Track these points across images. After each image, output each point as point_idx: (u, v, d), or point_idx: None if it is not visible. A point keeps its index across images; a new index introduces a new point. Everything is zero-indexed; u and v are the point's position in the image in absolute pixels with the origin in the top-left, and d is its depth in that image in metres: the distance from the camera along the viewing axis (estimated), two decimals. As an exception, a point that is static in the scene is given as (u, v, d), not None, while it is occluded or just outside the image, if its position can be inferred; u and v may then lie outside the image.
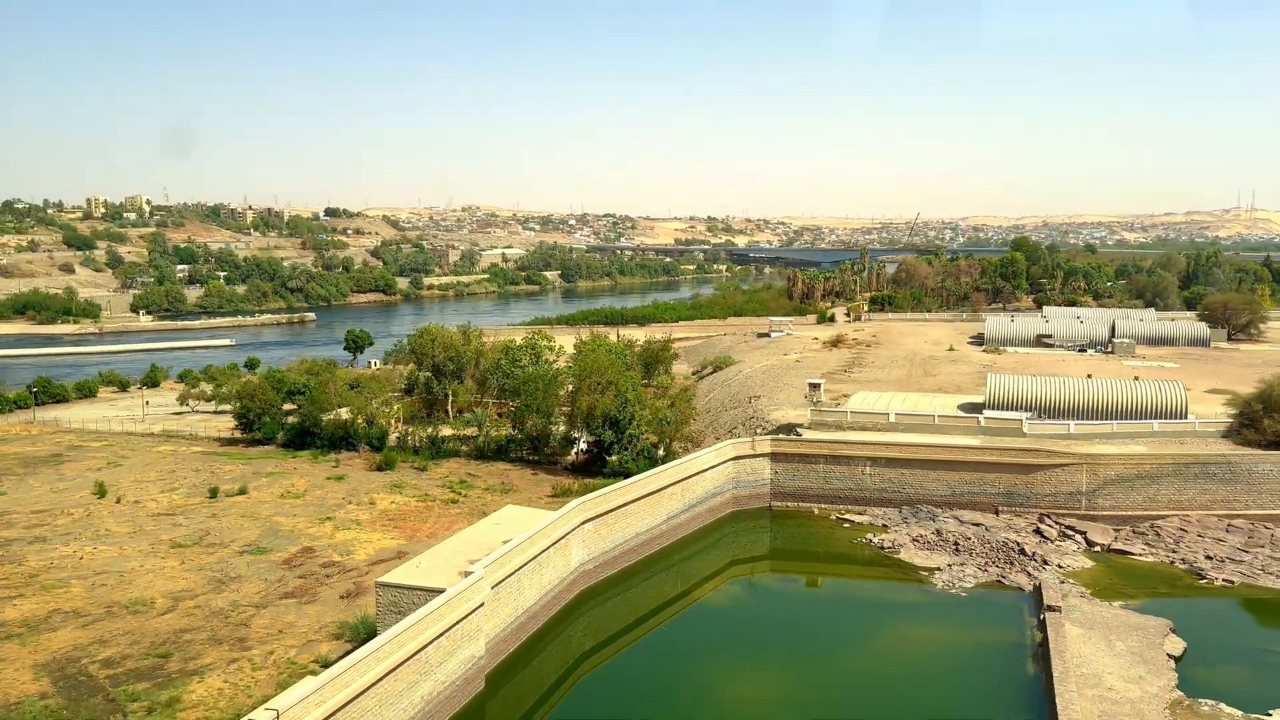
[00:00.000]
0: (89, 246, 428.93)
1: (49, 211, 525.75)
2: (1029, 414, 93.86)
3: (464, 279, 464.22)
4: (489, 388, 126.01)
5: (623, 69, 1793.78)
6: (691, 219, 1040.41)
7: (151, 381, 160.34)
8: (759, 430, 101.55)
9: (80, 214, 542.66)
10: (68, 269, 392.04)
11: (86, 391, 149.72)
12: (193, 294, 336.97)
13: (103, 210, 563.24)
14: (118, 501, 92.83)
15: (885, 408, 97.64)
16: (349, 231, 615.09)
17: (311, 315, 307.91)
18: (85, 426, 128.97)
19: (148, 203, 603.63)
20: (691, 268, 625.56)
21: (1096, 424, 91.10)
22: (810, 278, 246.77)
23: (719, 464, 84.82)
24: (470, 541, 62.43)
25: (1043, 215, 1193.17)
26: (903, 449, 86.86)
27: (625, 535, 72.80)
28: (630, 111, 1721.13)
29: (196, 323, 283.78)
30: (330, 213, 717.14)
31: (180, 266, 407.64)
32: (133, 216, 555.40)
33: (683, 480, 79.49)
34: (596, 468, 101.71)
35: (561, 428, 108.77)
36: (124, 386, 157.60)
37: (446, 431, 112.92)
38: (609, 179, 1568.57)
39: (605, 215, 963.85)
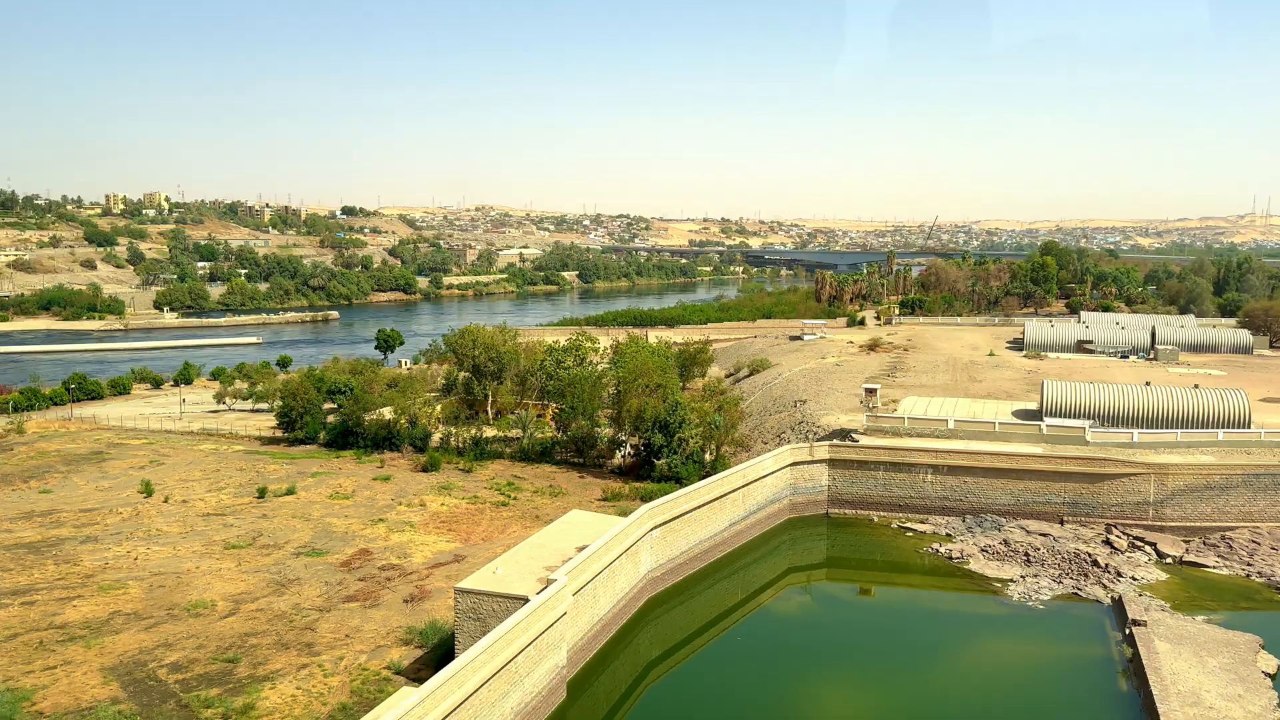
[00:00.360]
0: (110, 243, 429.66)
1: (68, 208, 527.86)
2: (1090, 421, 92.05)
3: (483, 278, 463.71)
4: (529, 388, 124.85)
5: (637, 70, 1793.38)
6: (705, 220, 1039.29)
7: (185, 379, 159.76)
8: (810, 436, 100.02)
9: (99, 210, 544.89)
10: (89, 265, 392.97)
11: (121, 388, 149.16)
12: (215, 291, 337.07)
13: (121, 207, 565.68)
14: (165, 501, 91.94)
15: (942, 414, 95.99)
16: (366, 230, 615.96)
17: (335, 314, 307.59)
18: (123, 424, 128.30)
19: (166, 200, 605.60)
20: (708, 269, 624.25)
21: (1160, 433, 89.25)
22: (839, 280, 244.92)
23: (777, 470, 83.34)
24: (542, 547, 61.14)
25: (1055, 220, 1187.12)
26: (965, 456, 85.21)
27: (690, 542, 71.44)
28: (643, 112, 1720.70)
29: (221, 320, 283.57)
30: (347, 211, 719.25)
31: (201, 264, 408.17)
32: (152, 213, 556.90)
33: (744, 486, 78.06)
34: (644, 471, 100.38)
35: (607, 430, 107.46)
36: (157, 384, 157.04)
37: (490, 433, 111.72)
38: (622, 179, 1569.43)
39: (619, 216, 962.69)
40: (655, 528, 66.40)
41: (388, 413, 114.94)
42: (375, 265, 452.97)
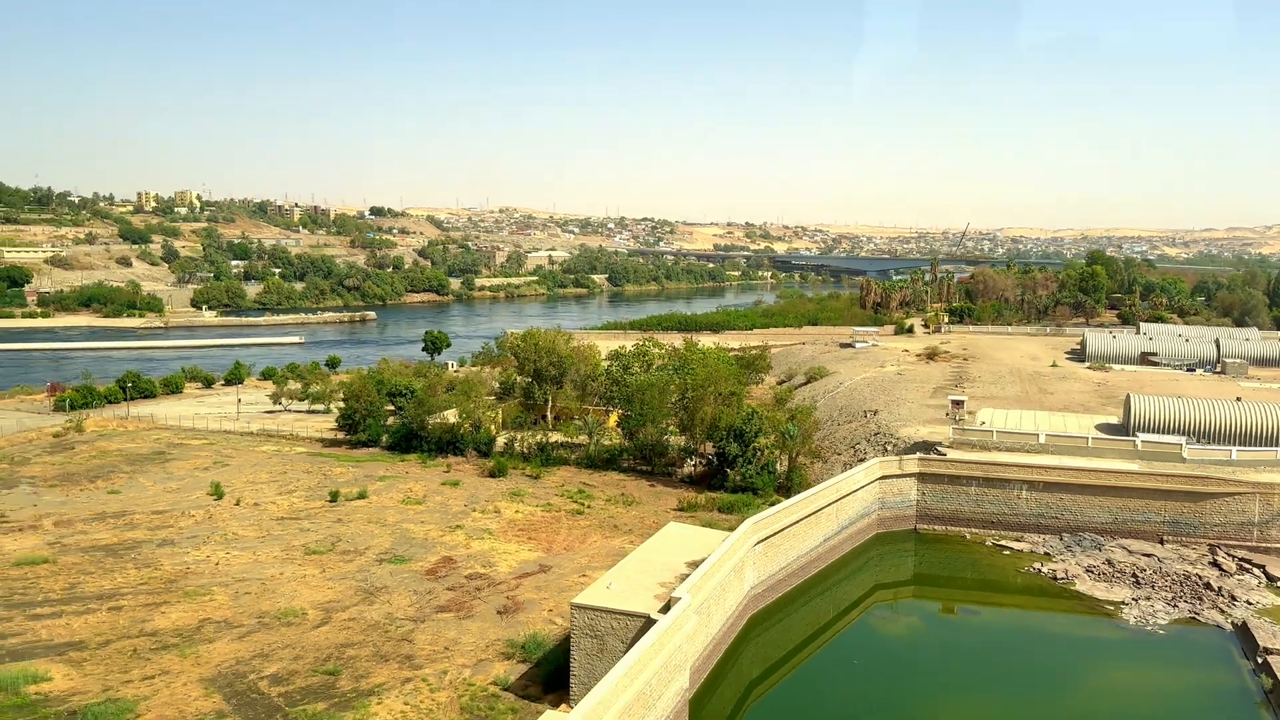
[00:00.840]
0: (144, 240, 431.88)
1: (101, 204, 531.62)
2: (1185, 438, 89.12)
3: (514, 280, 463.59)
4: (589, 393, 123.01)
5: (660, 74, 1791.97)
6: (729, 224, 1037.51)
7: (236, 378, 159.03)
8: (889, 448, 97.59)
9: (131, 208, 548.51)
10: (125, 262, 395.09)
11: (174, 387, 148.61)
12: (252, 290, 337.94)
13: (153, 204, 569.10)
14: (237, 503, 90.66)
15: (1026, 426, 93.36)
16: (394, 231, 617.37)
17: (372, 314, 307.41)
18: (180, 424, 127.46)
19: (198, 198, 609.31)
20: (736, 274, 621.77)
21: (1260, 450, 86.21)
22: (885, 287, 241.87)
23: (867, 484, 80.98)
24: (647, 561, 59.15)
25: (1080, 228, 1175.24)
26: (1060, 472, 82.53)
27: (789, 558, 69.26)
28: (667, 116, 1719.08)
29: (260, 319, 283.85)
30: (375, 211, 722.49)
31: (235, 262, 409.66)
32: (183, 211, 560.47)
33: (837, 500, 75.76)
34: (715, 481, 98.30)
35: (678, 438, 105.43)
36: (209, 383, 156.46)
37: (556, 438, 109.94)
38: (644, 183, 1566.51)
39: (643, 219, 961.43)
40: (759, 543, 64.27)
41: (451, 416, 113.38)
42: (407, 266, 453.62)
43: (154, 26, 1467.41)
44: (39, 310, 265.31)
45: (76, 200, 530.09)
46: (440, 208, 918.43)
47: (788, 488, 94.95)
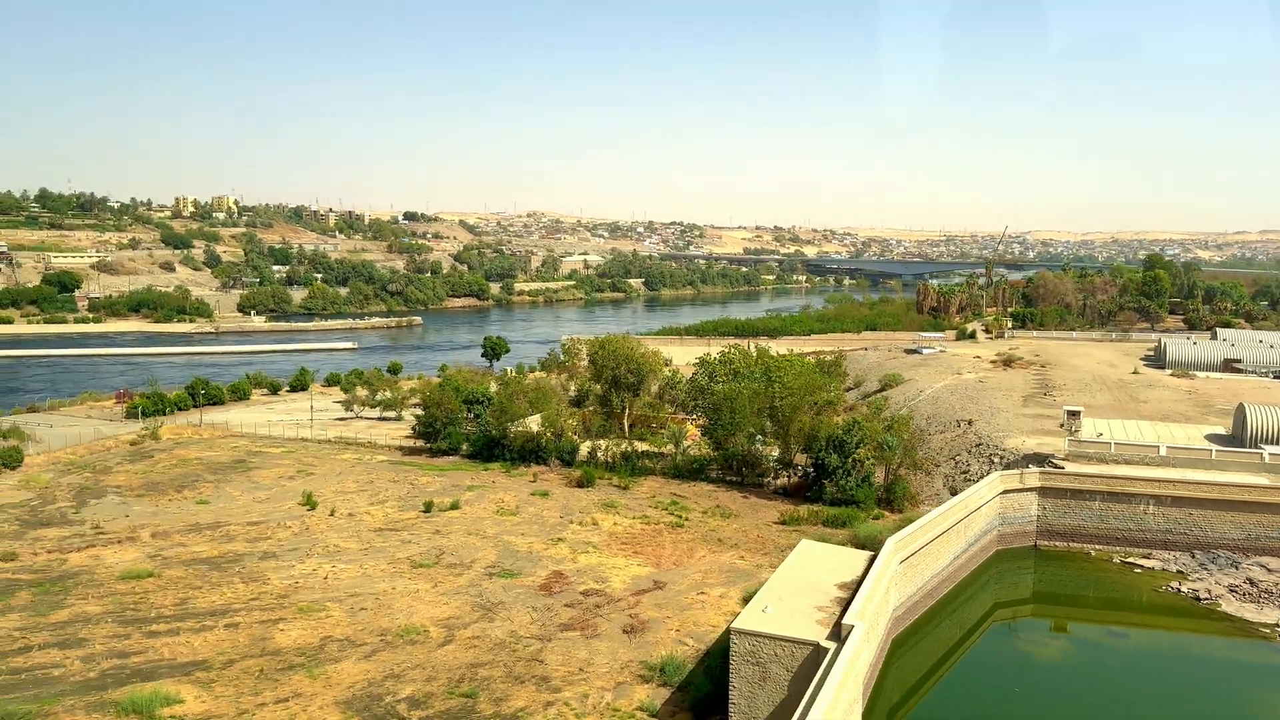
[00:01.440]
0: (186, 245, 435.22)
1: (140, 210, 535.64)
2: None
3: (551, 285, 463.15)
4: (665, 401, 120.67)
5: (685, 78, 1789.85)
6: (757, 228, 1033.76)
7: (301, 384, 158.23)
8: (995, 460, 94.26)
9: (169, 213, 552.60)
10: (168, 267, 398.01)
11: (240, 394, 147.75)
12: (296, 295, 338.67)
13: (191, 209, 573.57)
14: (332, 514, 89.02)
15: (1153, 438, 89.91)
16: (428, 235, 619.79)
17: (418, 320, 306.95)
18: (255, 431, 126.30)
19: (235, 203, 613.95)
20: (770, 278, 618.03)
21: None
22: (943, 291, 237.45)
23: (990, 499, 77.96)
24: (795, 581, 56.54)
25: (1110, 231, 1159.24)
26: (1189, 487, 79.07)
27: (924, 578, 66.44)
28: (692, 119, 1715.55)
29: (309, 324, 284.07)
30: (409, 216, 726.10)
31: (276, 267, 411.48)
32: (221, 216, 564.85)
33: (965, 517, 72.83)
34: (811, 494, 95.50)
35: (772, 448, 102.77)
36: (274, 389, 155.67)
37: (641, 447, 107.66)
38: (667, 186, 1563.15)
39: (671, 223, 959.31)
40: (900, 562, 61.52)
41: (532, 424, 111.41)
42: (445, 270, 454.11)
43: (180, 33, 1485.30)
44: (90, 315, 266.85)
45: (116, 206, 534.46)
46: (469, 212, 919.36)
47: (889, 501, 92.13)
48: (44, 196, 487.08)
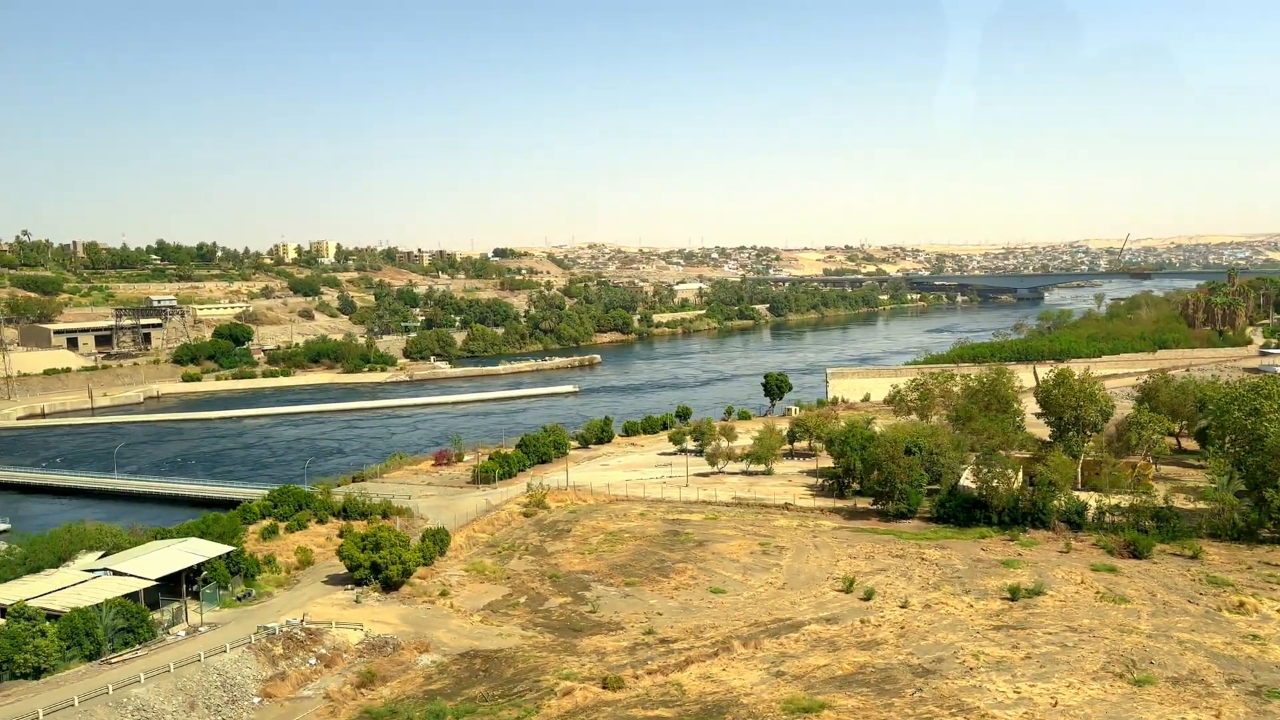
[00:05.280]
0: (314, 292, 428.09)
1: (249, 257, 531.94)
2: None
3: (686, 315, 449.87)
4: (1132, 444, 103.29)
5: (737, 99, 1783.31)
6: (827, 248, 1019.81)
7: (604, 436, 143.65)
8: None
9: (272, 260, 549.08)
10: (307, 315, 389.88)
11: (561, 449, 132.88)
12: (458, 337, 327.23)
13: (294, 255, 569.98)
14: (904, 606, 72.55)
15: None
16: (522, 271, 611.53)
17: (597, 358, 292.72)
18: (628, 493, 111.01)
19: (337, 246, 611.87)
20: (885, 298, 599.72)
21: None
22: (1227, 304, 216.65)
23: None
24: None
25: (1167, 237, 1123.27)
26: None
27: None
28: (742, 145, 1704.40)
29: (498, 368, 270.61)
30: (499, 253, 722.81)
31: (414, 309, 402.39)
32: (327, 261, 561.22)
33: None
34: None
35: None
36: (584, 442, 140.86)
37: (1181, 503, 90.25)
38: (720, 212, 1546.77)
39: (739, 248, 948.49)
40: None
41: (967, 478, 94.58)
42: (569, 307, 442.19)
43: (247, 82, 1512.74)
44: (276, 369, 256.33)
45: (225, 253, 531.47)
46: (531, 246, 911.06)
47: None
48: (163, 248, 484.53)
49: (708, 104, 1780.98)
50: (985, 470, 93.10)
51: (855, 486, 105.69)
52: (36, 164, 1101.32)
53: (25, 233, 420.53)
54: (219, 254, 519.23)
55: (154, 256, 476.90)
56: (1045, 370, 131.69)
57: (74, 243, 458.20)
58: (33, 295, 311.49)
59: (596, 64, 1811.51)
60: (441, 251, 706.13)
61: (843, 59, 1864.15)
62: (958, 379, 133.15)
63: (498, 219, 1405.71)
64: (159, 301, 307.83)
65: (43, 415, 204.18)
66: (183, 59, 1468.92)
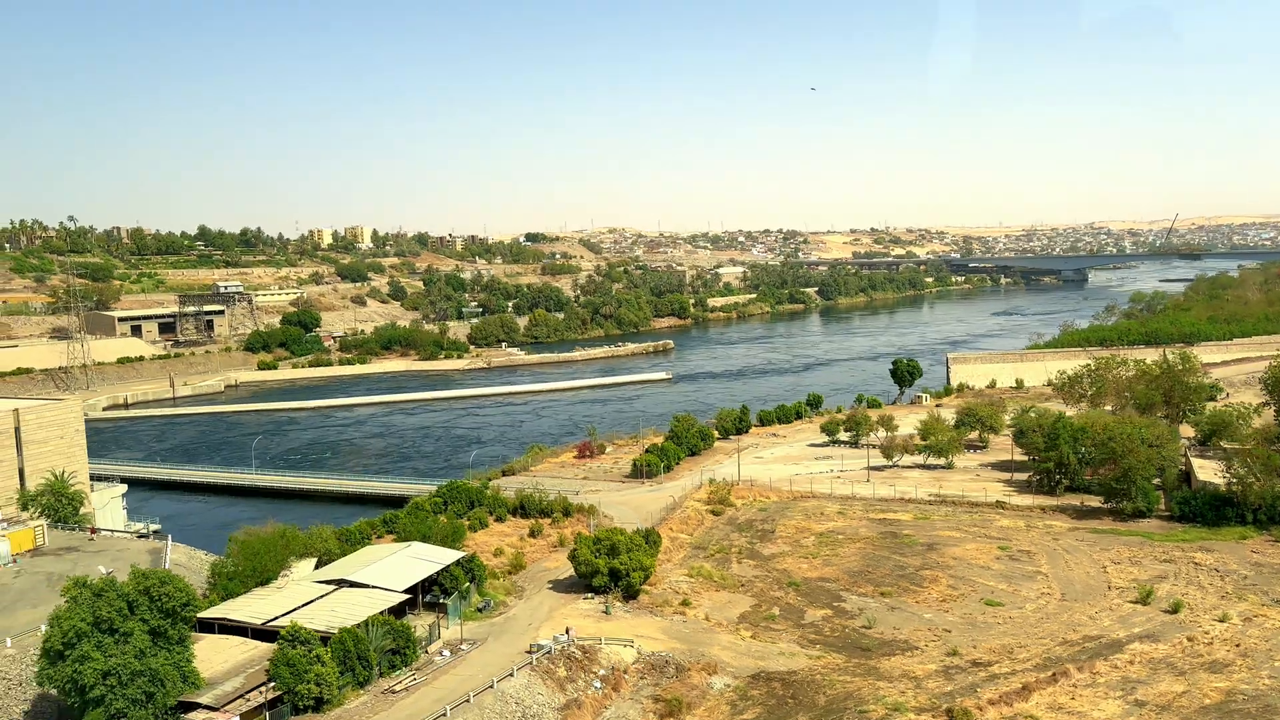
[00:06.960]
0: (362, 278, 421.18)
1: (293, 243, 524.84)
2: None
3: (739, 299, 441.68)
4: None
5: (759, 86, 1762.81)
6: (852, 231, 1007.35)
7: (743, 426, 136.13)
8: None
9: (310, 245, 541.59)
10: (359, 301, 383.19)
11: (708, 440, 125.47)
12: (521, 322, 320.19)
13: (330, 241, 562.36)
14: (1221, 620, 64.93)
15: None
16: (557, 256, 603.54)
17: (670, 343, 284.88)
18: (810, 488, 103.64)
19: (373, 232, 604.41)
20: (930, 280, 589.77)
21: None
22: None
23: None
24: None
25: (1188, 218, 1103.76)
26: None
27: None
28: (765, 127, 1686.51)
29: (575, 354, 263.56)
30: (531, 238, 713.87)
31: (466, 295, 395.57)
32: (364, 247, 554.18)
33: None
34: None
35: None
36: (724, 432, 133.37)
37: None
38: (733, 196, 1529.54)
39: (764, 231, 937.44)
40: None
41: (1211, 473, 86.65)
42: (615, 290, 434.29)
43: (273, 71, 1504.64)
44: (351, 356, 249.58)
45: (270, 238, 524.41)
46: (555, 230, 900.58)
47: None
48: (205, 234, 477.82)
49: (720, 87, 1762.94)
50: (1235, 464, 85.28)
51: (1066, 482, 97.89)
52: (67, 150, 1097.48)
53: (71, 218, 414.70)
54: (272, 238, 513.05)
55: (199, 243, 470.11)
56: (1174, 354, 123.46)
57: (117, 229, 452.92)
58: (87, 282, 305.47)
59: (609, 50, 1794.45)
60: (474, 236, 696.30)
61: (863, 44, 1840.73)
62: (1130, 364, 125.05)
63: (516, 204, 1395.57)
64: (226, 288, 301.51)
65: (125, 405, 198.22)
66: (206, 46, 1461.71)
